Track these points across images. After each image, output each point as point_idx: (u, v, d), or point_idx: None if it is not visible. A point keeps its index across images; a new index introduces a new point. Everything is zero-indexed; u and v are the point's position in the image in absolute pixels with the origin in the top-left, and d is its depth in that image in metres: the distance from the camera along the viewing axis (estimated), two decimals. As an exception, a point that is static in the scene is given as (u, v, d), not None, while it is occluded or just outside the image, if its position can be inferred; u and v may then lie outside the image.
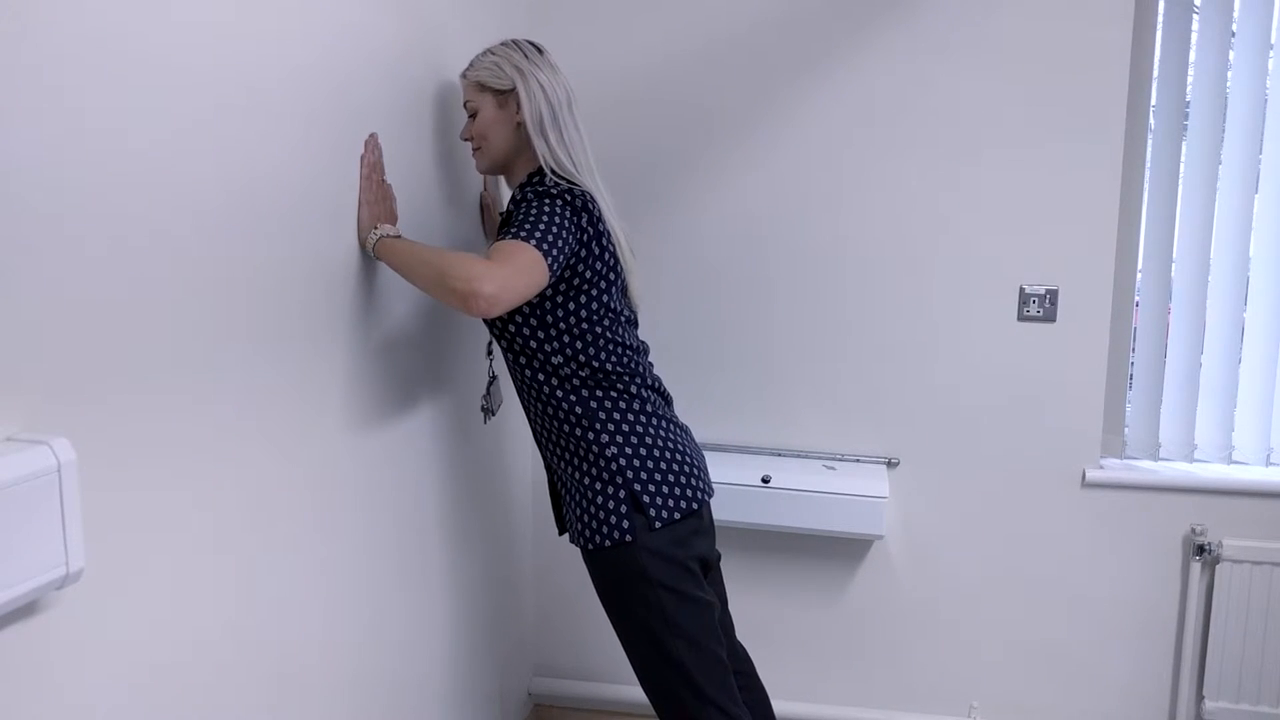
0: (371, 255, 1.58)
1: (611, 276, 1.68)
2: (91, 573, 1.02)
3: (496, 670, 2.32)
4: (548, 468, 1.81)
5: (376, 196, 1.59)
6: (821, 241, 2.33)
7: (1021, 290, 2.27)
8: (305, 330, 1.42)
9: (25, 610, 0.94)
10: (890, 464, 2.38)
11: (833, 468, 2.34)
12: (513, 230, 1.54)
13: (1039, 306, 2.26)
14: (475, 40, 2.04)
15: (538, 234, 1.53)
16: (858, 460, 2.39)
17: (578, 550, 2.55)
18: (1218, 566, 2.26)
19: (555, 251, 1.54)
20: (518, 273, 1.48)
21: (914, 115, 2.25)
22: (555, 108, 1.68)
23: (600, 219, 1.65)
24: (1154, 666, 2.35)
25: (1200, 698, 2.32)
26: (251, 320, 1.29)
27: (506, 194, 2.23)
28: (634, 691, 2.57)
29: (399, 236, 1.57)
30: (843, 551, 2.44)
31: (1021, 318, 2.28)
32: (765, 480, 2.27)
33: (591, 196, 1.66)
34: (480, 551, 2.18)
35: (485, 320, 1.72)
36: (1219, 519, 2.27)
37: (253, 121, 1.27)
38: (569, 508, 1.73)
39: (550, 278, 1.54)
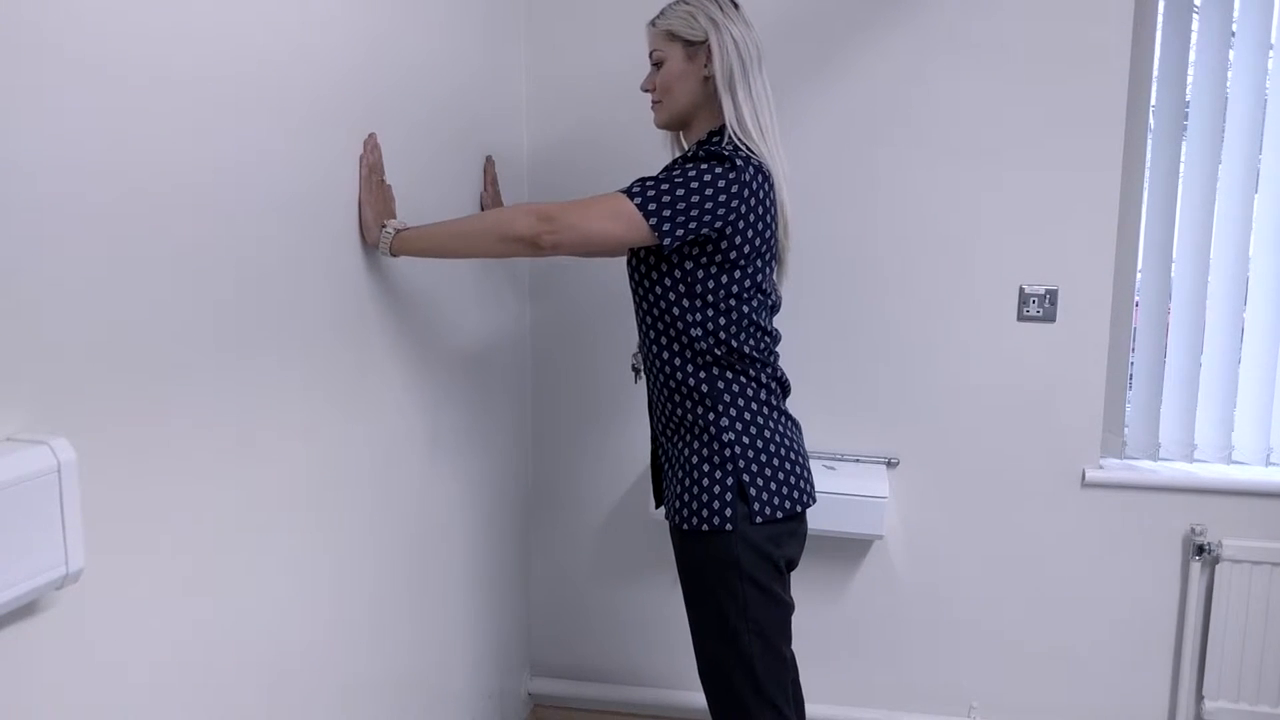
0: (386, 253, 1.57)
1: (767, 255, 1.62)
2: (91, 573, 1.01)
3: (496, 670, 2.32)
4: (654, 439, 1.78)
5: (376, 197, 1.58)
6: (821, 241, 2.33)
7: (1021, 290, 2.27)
8: (305, 330, 1.42)
9: (25, 610, 0.94)
10: (890, 464, 2.38)
11: (833, 468, 2.34)
12: (644, 179, 1.53)
13: (1039, 306, 2.26)
14: (475, 40, 2.04)
15: (654, 192, 1.50)
16: (858, 460, 2.39)
17: (578, 550, 2.56)
18: (1218, 566, 2.25)
19: (673, 214, 1.50)
20: (587, 215, 1.49)
21: (913, 115, 2.25)
22: (747, 64, 1.60)
23: (770, 193, 1.60)
24: (1154, 666, 2.35)
25: (1200, 698, 2.32)
26: (251, 320, 1.29)
27: (508, 196, 2.23)
28: (634, 692, 2.57)
29: (408, 227, 1.57)
30: (843, 551, 2.44)
31: (1021, 318, 2.28)
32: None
33: (767, 168, 1.60)
34: (480, 551, 2.18)
35: (631, 284, 1.67)
36: (1219, 519, 2.27)
37: (252, 121, 1.27)
38: (670, 484, 1.69)
39: (662, 239, 1.51)
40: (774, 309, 1.72)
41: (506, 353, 2.33)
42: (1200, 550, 2.26)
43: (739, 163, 1.55)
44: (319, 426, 1.47)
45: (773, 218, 1.61)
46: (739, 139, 1.59)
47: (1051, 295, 2.26)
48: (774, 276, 1.69)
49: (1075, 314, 2.25)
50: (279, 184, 1.34)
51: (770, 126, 1.63)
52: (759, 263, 1.61)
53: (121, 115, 1.03)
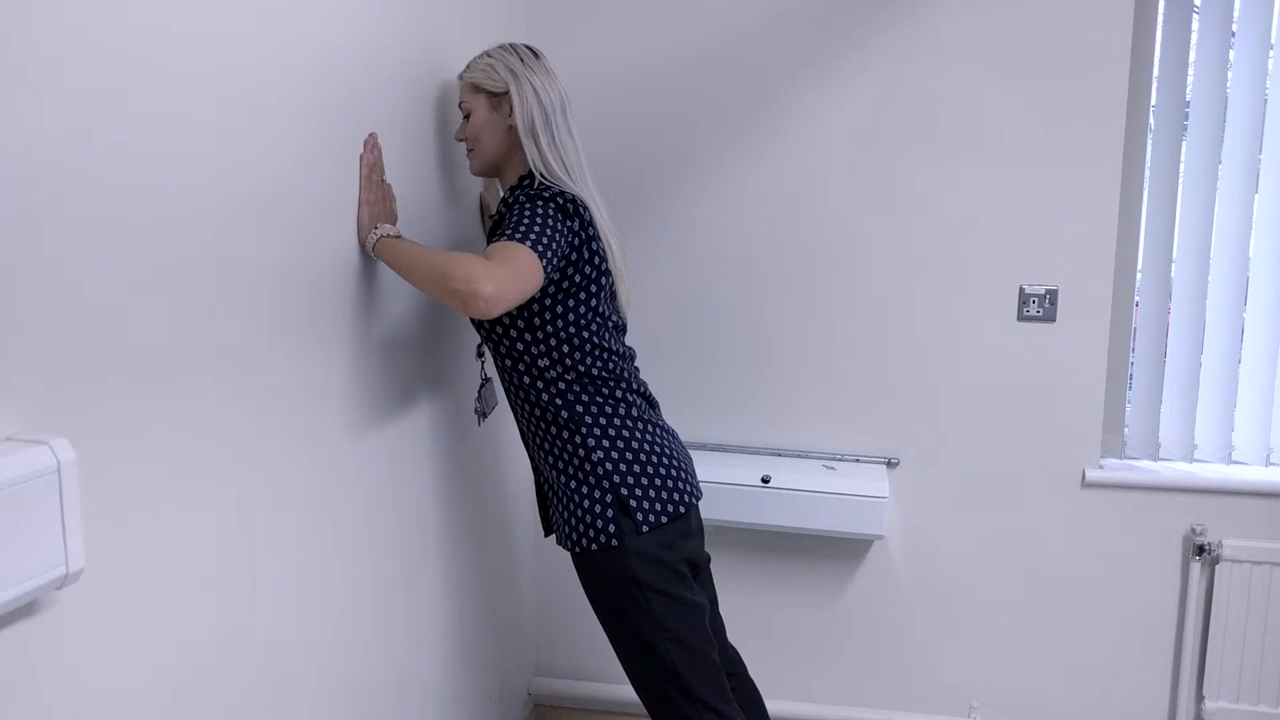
0: (371, 255, 1.58)
1: (602, 281, 1.68)
2: (91, 573, 1.01)
3: (496, 670, 2.32)
4: (535, 470, 1.81)
5: (376, 196, 1.59)
6: (821, 241, 2.33)
7: (1021, 290, 2.27)
8: (305, 330, 1.42)
9: (25, 610, 0.94)
10: (890, 464, 2.38)
11: (833, 468, 2.34)
12: (507, 232, 1.54)
13: (1039, 306, 2.26)
14: (475, 40, 2.04)
15: (531, 236, 1.53)
16: (858, 460, 2.39)
17: (577, 550, 2.56)
18: (1218, 566, 2.26)
19: (549, 254, 1.54)
20: (516, 275, 1.48)
21: (913, 115, 2.25)
22: (548, 112, 1.68)
23: (591, 223, 1.65)
24: (1154, 666, 2.35)
25: (1200, 697, 2.32)
26: (251, 320, 1.28)
27: (506, 194, 2.24)
28: (634, 691, 2.57)
29: (399, 236, 1.57)
30: (843, 551, 2.44)
31: (1021, 318, 2.28)
32: (765, 480, 2.27)
33: (583, 201, 1.66)
34: (480, 552, 2.18)
35: (474, 322, 1.72)
36: (1219, 519, 2.27)
37: (252, 121, 1.27)
38: (555, 510, 1.73)
39: (544, 280, 1.54)
40: (619, 329, 1.76)
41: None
42: (1200, 550, 2.26)
43: (559, 199, 1.61)
44: (319, 427, 1.47)
45: (599, 245, 1.67)
46: (547, 180, 1.66)
47: (1051, 295, 2.26)
48: (613, 301, 1.74)
49: (1075, 314, 2.25)
50: (280, 185, 1.34)
51: (578, 169, 1.70)
52: (593, 289, 1.66)
53: (121, 116, 1.03)
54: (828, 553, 2.44)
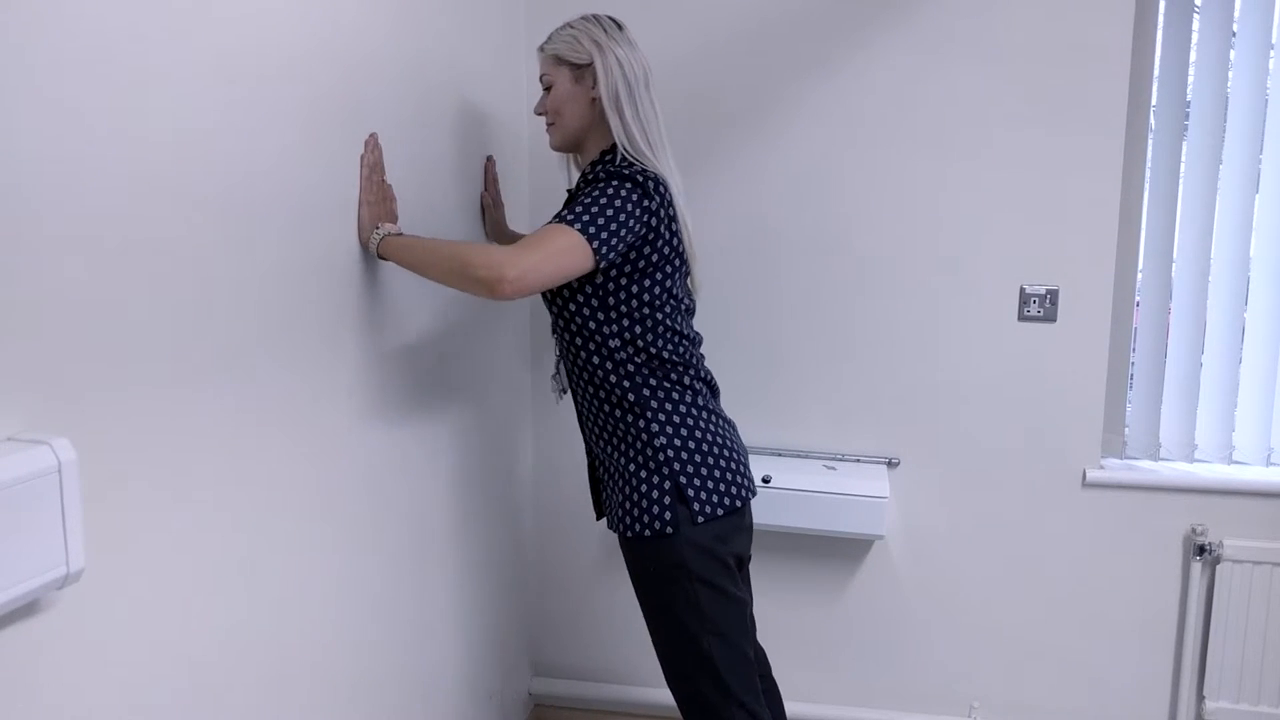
0: (375, 255, 1.57)
1: (677, 262, 1.66)
2: (91, 573, 1.01)
3: (497, 670, 2.32)
4: (589, 452, 1.79)
5: (377, 197, 1.59)
6: (821, 241, 2.33)
7: (1021, 290, 2.27)
8: (307, 330, 1.42)
9: (25, 610, 0.94)
10: (890, 464, 2.38)
11: (833, 468, 2.34)
12: (564, 211, 1.54)
13: (1039, 306, 2.26)
14: (475, 40, 2.04)
15: (586, 218, 1.52)
16: (858, 460, 2.39)
17: (578, 550, 2.56)
18: (1218, 566, 2.25)
19: (608, 235, 1.52)
20: (546, 258, 1.47)
21: (914, 114, 2.25)
22: (632, 84, 1.65)
23: (670, 202, 1.63)
24: (1154, 666, 2.35)
25: (1201, 698, 2.32)
26: (252, 319, 1.28)
27: (509, 195, 2.23)
28: (634, 691, 2.57)
29: (400, 234, 1.57)
30: (843, 551, 2.44)
31: (1021, 318, 2.28)
32: (765, 480, 2.27)
33: (663, 180, 1.64)
34: (481, 552, 2.18)
35: (545, 301, 1.71)
36: (1219, 519, 2.27)
37: (253, 121, 1.27)
38: (610, 493, 1.71)
39: (599, 262, 1.52)
40: (689, 313, 1.75)
41: (507, 352, 2.33)
42: (1201, 550, 2.26)
43: (639, 178, 1.58)
44: (319, 427, 1.47)
45: (678, 226, 1.66)
46: (631, 156, 1.64)
47: (1052, 295, 2.26)
48: (686, 282, 1.73)
49: (1075, 314, 2.25)
50: (280, 185, 1.34)
51: (660, 143, 1.68)
52: (668, 269, 1.64)
53: (121, 116, 1.03)
54: (828, 553, 2.44)
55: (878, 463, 2.37)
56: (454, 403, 1.99)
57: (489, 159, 2.13)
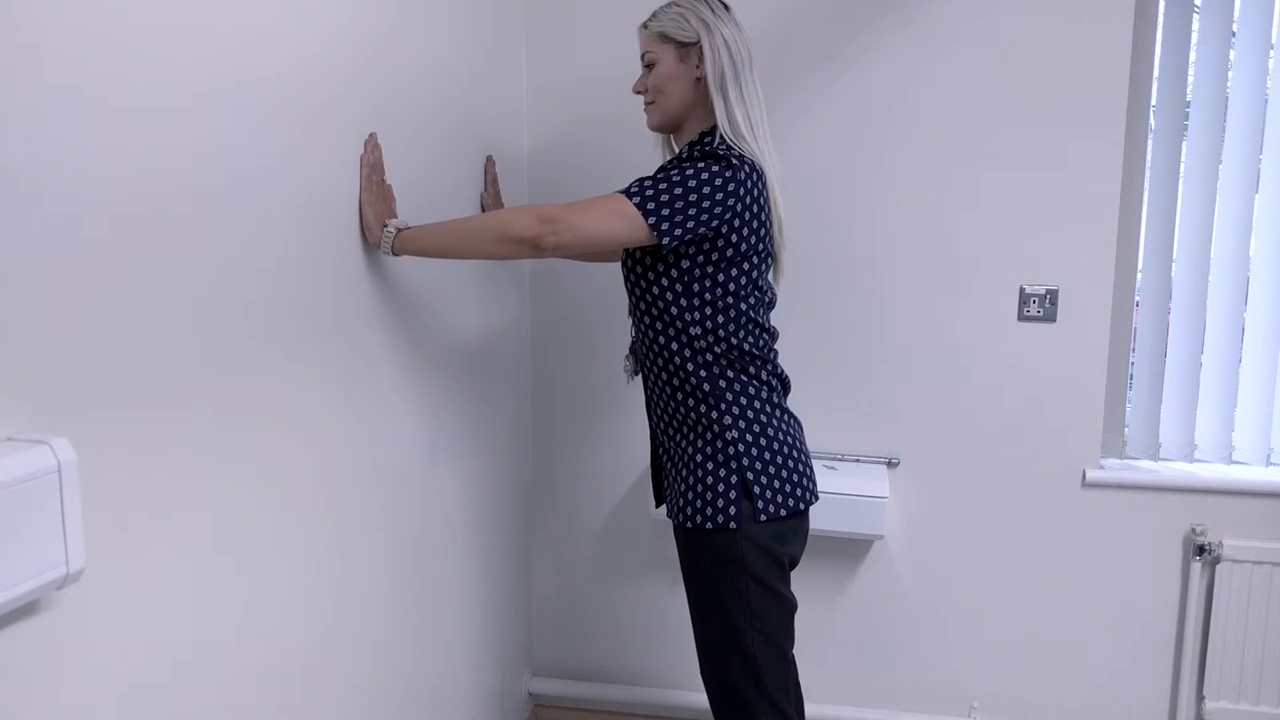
0: (387, 253, 1.57)
1: (763, 252, 1.63)
2: (91, 573, 1.01)
3: (497, 670, 2.32)
4: (654, 438, 1.78)
5: (377, 197, 1.58)
6: (821, 241, 2.33)
7: (1021, 290, 2.27)
8: (306, 330, 1.42)
9: (25, 610, 0.94)
10: (890, 464, 2.38)
11: (833, 468, 2.34)
12: (638, 180, 1.54)
13: (1039, 306, 2.26)
14: (476, 40, 2.04)
15: (652, 191, 1.51)
16: (858, 460, 2.39)
17: (578, 550, 2.56)
18: (1218, 566, 2.25)
19: (671, 213, 1.51)
20: (589, 218, 1.49)
21: (914, 115, 2.25)
22: (738, 65, 1.62)
23: (764, 192, 1.61)
24: (1154, 666, 2.35)
25: (1200, 698, 2.32)
26: (253, 319, 1.29)
27: (509, 195, 2.23)
28: (634, 692, 2.57)
29: (409, 226, 1.57)
30: (843, 551, 2.44)
31: (1021, 318, 2.28)
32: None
33: (760, 168, 1.61)
34: (481, 552, 2.18)
35: (627, 285, 1.69)
36: (1219, 519, 2.27)
37: (253, 121, 1.27)
38: (673, 482, 1.69)
39: (662, 238, 1.51)
40: (770, 305, 1.72)
41: (507, 352, 2.33)
42: (1201, 550, 2.26)
43: (734, 161, 1.56)
44: (320, 427, 1.47)
45: (767, 216, 1.63)
46: (731, 139, 1.61)
47: (1052, 295, 2.26)
48: (770, 274, 1.70)
49: (1075, 314, 2.25)
50: (280, 185, 1.34)
51: (761, 127, 1.64)
52: (755, 259, 1.62)
53: (122, 116, 1.03)
54: (828, 553, 2.44)
55: (878, 463, 2.37)
56: (455, 403, 1.99)
57: (489, 159, 2.13)
